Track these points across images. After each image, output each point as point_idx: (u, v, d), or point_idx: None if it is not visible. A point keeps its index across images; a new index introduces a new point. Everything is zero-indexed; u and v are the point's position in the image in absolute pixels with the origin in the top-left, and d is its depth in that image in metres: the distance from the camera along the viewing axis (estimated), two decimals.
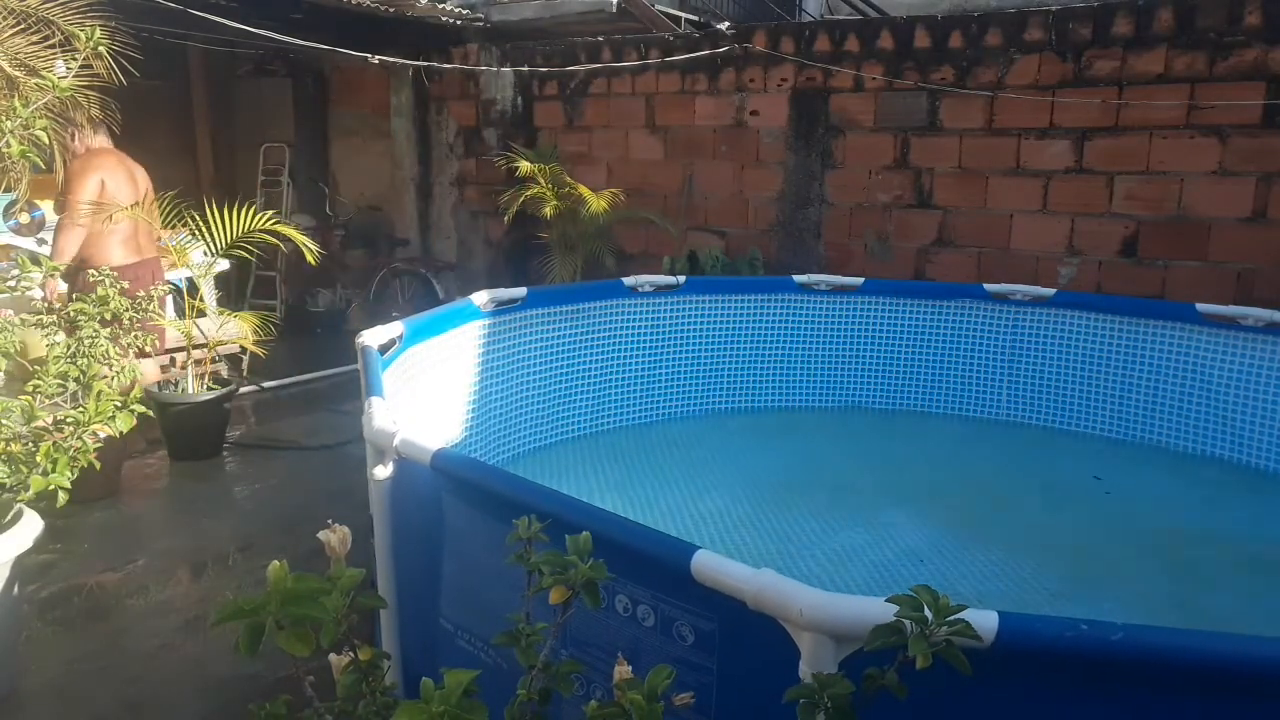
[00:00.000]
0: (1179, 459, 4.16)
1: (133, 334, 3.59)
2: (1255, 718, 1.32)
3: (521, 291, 3.98)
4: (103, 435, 2.73)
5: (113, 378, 3.02)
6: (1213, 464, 4.10)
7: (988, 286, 4.67)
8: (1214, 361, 4.12)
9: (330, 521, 1.39)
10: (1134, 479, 4.00)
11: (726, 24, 6.16)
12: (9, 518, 2.58)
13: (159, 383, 4.68)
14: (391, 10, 6.31)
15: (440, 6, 6.59)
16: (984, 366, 4.66)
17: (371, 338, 2.95)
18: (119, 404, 2.69)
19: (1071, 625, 1.29)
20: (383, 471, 2.16)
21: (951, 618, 1.12)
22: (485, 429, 3.89)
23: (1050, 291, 4.58)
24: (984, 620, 1.27)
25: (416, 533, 2.20)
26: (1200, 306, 4.17)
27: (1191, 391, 4.18)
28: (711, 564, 1.51)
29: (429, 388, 3.42)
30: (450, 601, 2.11)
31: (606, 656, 1.69)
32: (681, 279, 4.54)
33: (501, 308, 3.91)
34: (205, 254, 4.92)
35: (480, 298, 3.80)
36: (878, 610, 1.22)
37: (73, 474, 2.56)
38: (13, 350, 2.88)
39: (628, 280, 4.40)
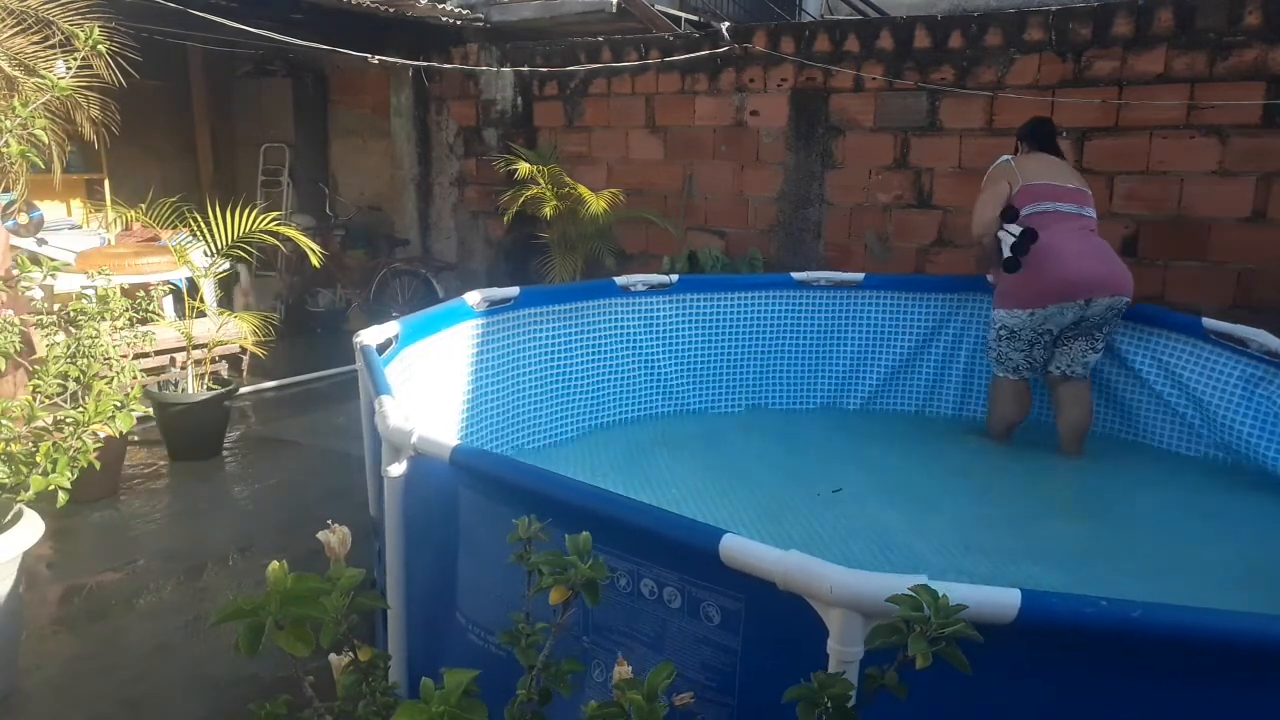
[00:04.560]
0: None
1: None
2: (1272, 695, 1.36)
3: (514, 291, 3.97)
4: (103, 435, 2.73)
5: (112, 378, 3.03)
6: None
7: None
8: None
9: (330, 521, 1.39)
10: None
11: (726, 24, 6.16)
12: (9, 518, 2.58)
13: (159, 382, 4.69)
14: (391, 10, 6.32)
15: (440, 6, 6.60)
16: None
17: (369, 337, 2.95)
18: (119, 404, 2.69)
19: (1092, 602, 1.34)
20: (397, 469, 2.16)
21: (952, 617, 1.13)
22: (479, 428, 3.88)
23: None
24: (1007, 598, 1.34)
25: (428, 529, 2.20)
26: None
27: None
28: (739, 547, 1.56)
29: (422, 387, 3.42)
30: (465, 597, 2.11)
31: (631, 639, 1.73)
32: (674, 278, 4.53)
33: (494, 307, 3.90)
34: (205, 254, 4.92)
35: (473, 297, 3.79)
36: (904, 586, 1.25)
37: (73, 474, 2.56)
38: (13, 350, 2.88)
39: (620, 280, 4.39)
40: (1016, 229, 3.90)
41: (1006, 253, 3.92)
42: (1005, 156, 4.23)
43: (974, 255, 4.51)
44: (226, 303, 6.36)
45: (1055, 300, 3.86)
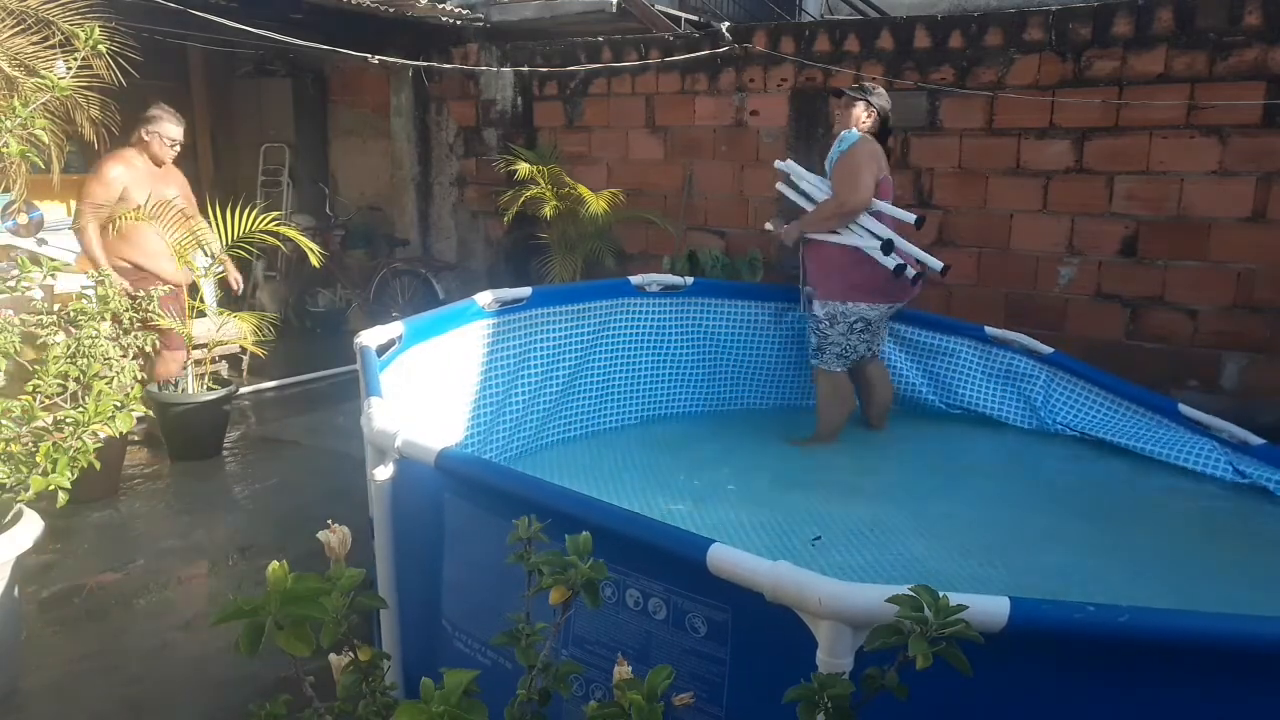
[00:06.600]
0: None
1: (132, 334, 3.59)
2: (1257, 695, 1.36)
3: (526, 291, 3.95)
4: (103, 435, 2.73)
5: (112, 378, 3.02)
6: None
7: None
8: None
9: (330, 521, 1.39)
10: None
11: (726, 24, 6.16)
12: (9, 518, 2.58)
13: (159, 383, 4.68)
14: (391, 10, 6.31)
15: (440, 6, 6.59)
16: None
17: (370, 338, 2.94)
18: (119, 404, 2.69)
19: (1079, 608, 1.34)
20: (384, 472, 2.16)
21: (951, 617, 1.12)
22: (485, 430, 3.88)
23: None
24: (996, 606, 1.33)
25: (417, 533, 2.19)
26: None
27: None
28: (727, 557, 1.54)
29: (428, 388, 3.41)
30: (450, 602, 2.11)
31: (614, 653, 1.70)
32: (689, 280, 4.54)
33: (505, 307, 3.89)
34: (205, 255, 4.92)
35: (484, 298, 3.77)
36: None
37: (73, 474, 2.56)
38: (13, 350, 2.87)
39: (634, 279, 4.37)
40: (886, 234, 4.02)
41: (887, 257, 3.99)
42: (858, 133, 4.14)
43: (808, 224, 4.36)
44: (227, 302, 6.35)
45: (905, 296, 4.22)
